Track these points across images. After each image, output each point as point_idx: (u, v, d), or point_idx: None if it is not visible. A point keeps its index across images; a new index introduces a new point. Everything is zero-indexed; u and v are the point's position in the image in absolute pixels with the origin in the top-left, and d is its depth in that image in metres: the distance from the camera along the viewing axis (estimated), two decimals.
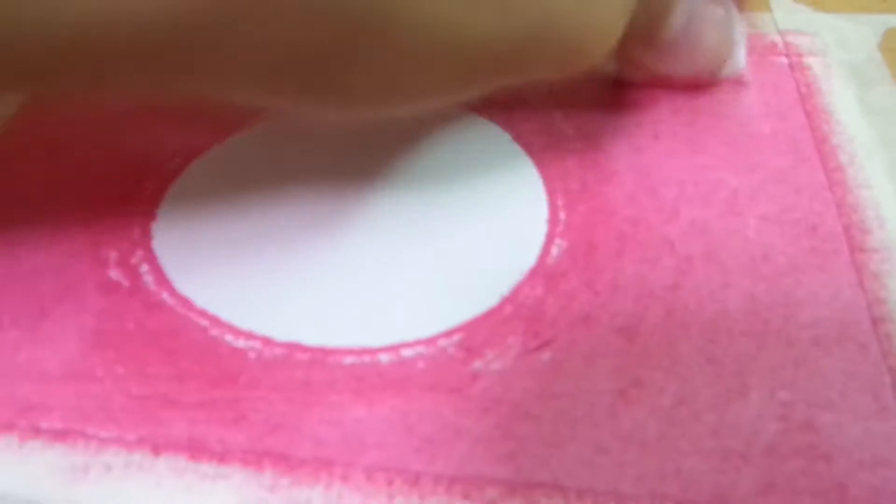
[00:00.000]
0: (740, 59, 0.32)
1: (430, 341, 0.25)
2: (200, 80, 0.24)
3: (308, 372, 0.25)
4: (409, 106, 0.26)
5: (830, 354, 0.24)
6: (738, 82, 0.33)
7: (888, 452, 0.21)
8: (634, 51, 0.30)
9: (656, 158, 0.30)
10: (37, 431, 0.24)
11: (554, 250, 0.27)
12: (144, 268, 0.28)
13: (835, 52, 0.34)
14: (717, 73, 0.32)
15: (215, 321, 0.26)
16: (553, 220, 0.29)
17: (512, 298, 0.26)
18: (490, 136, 0.32)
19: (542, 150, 0.31)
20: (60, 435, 0.24)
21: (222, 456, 0.23)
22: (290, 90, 0.25)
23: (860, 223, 0.27)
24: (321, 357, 0.25)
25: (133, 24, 0.21)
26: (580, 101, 0.33)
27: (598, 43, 0.25)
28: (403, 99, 0.25)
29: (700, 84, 0.32)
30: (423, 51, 0.23)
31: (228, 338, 0.26)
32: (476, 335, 0.25)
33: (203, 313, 0.27)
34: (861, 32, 0.35)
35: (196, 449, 0.23)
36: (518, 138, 0.32)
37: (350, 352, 0.25)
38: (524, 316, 0.26)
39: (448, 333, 0.25)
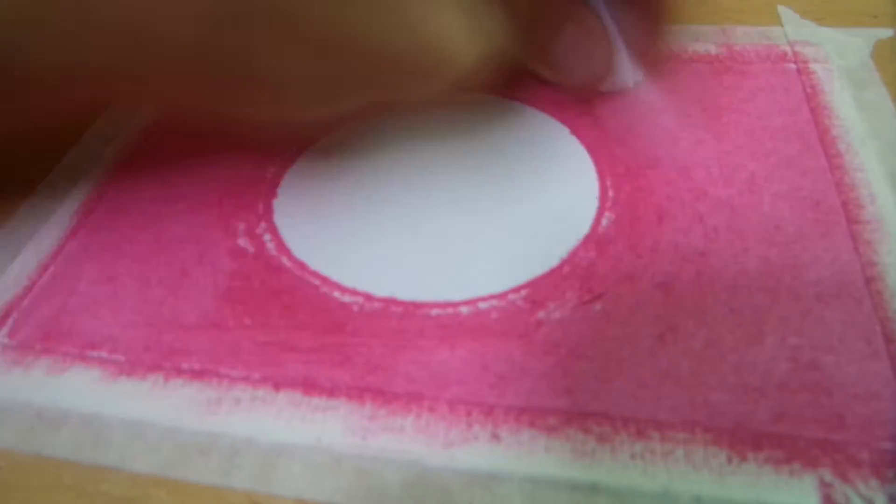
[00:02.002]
0: (625, 74, 0.32)
1: (502, 296, 0.26)
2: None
3: (401, 322, 0.26)
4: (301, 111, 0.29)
5: (831, 307, 0.25)
6: (756, 86, 0.34)
7: (878, 388, 0.23)
8: (530, 63, 0.33)
9: (688, 147, 0.31)
10: (179, 371, 0.25)
11: (604, 221, 0.28)
12: (267, 237, 0.30)
13: (835, 59, 0.35)
14: (600, 86, 0.33)
15: (325, 280, 0.28)
16: (603, 196, 0.29)
17: (569, 260, 0.27)
18: (551, 130, 0.33)
19: (594, 140, 0.32)
20: (198, 374, 0.25)
21: (331, 391, 0.24)
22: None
23: (856, 199, 0.28)
24: (412, 309, 0.26)
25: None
26: (625, 101, 0.34)
27: (451, 64, 0.26)
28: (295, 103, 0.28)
29: (587, 93, 0.34)
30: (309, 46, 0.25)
31: (336, 294, 0.27)
32: (540, 290, 0.26)
33: (315, 274, 0.28)
34: (856, 43, 0.36)
35: (309, 385, 0.25)
36: (575, 131, 0.33)
37: (436, 305, 0.26)
38: (579, 274, 0.27)
39: (517, 289, 0.27)
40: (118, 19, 0.24)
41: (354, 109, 0.29)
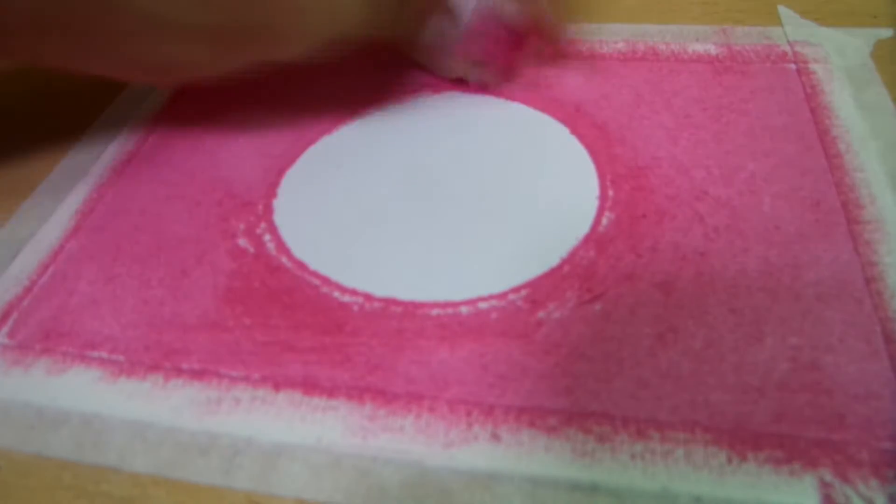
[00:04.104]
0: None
1: (502, 295, 0.27)
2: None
3: (401, 322, 0.26)
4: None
5: (831, 307, 0.25)
6: (756, 86, 0.34)
7: (878, 387, 0.23)
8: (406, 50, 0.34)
9: (688, 147, 0.31)
10: (178, 371, 0.26)
11: (604, 220, 0.29)
12: (267, 237, 0.30)
13: (835, 59, 0.35)
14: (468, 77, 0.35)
15: (325, 280, 0.28)
16: (603, 196, 0.30)
17: (569, 260, 0.27)
18: (551, 130, 0.33)
19: (594, 140, 0.32)
20: (198, 374, 0.25)
21: (331, 391, 0.24)
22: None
23: (855, 200, 0.28)
24: (412, 309, 0.26)
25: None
26: (625, 100, 0.34)
27: (336, 20, 0.28)
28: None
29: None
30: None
31: (336, 294, 0.27)
32: (540, 290, 0.26)
33: (315, 274, 0.28)
34: (856, 43, 0.36)
35: (309, 386, 0.25)
36: (574, 131, 0.33)
37: (436, 305, 0.26)
38: (579, 274, 0.27)
39: (516, 289, 0.27)
40: None
41: (237, 70, 0.30)
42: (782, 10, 0.38)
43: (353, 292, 0.27)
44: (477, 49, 0.33)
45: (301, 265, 0.28)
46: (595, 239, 0.28)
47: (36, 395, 0.25)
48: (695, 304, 0.25)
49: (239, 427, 0.24)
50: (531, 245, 0.28)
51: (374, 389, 0.24)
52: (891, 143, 0.30)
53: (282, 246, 0.29)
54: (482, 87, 0.35)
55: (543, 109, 0.34)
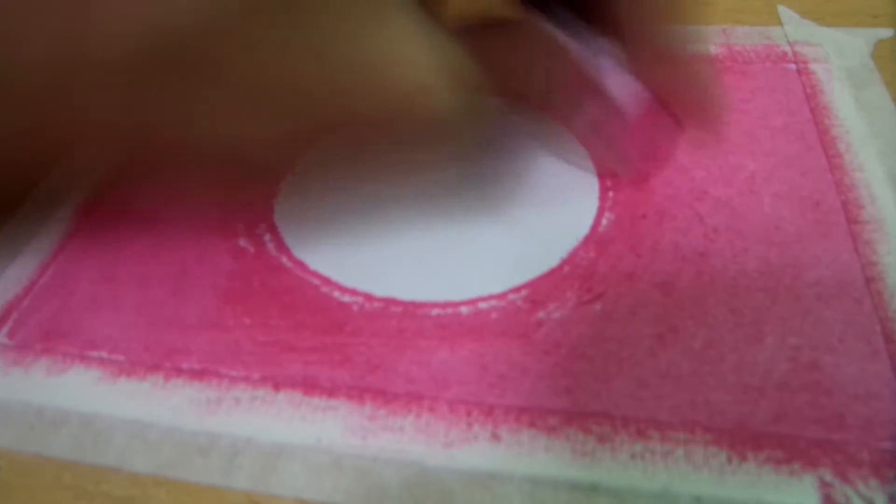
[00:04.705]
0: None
1: (502, 296, 0.27)
2: None
3: (401, 322, 0.26)
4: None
5: (831, 307, 0.25)
6: (756, 86, 0.34)
7: (878, 388, 0.23)
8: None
9: (688, 147, 0.31)
10: (178, 371, 0.25)
11: (604, 221, 0.29)
12: (267, 237, 0.30)
13: (835, 59, 0.35)
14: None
15: (325, 280, 0.28)
16: (603, 197, 0.30)
17: (569, 260, 0.27)
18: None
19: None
20: (198, 374, 0.25)
21: (331, 391, 0.24)
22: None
23: (855, 200, 0.28)
24: (412, 309, 0.26)
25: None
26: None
27: (419, 103, 0.25)
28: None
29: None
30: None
31: (336, 294, 0.27)
32: (540, 290, 0.27)
33: (315, 274, 0.28)
34: (857, 43, 0.36)
35: (309, 385, 0.25)
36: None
37: (436, 305, 0.26)
38: (579, 274, 0.27)
39: (517, 289, 0.27)
40: (49, 34, 0.22)
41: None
42: (782, 10, 0.38)
43: (353, 292, 0.27)
44: (640, 141, 0.30)
45: (301, 265, 0.28)
46: (595, 239, 0.28)
47: (36, 395, 0.25)
48: (695, 304, 0.25)
49: (239, 427, 0.24)
50: (531, 245, 0.28)
51: (374, 389, 0.24)
52: (891, 143, 0.30)
53: (282, 246, 0.29)
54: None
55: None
